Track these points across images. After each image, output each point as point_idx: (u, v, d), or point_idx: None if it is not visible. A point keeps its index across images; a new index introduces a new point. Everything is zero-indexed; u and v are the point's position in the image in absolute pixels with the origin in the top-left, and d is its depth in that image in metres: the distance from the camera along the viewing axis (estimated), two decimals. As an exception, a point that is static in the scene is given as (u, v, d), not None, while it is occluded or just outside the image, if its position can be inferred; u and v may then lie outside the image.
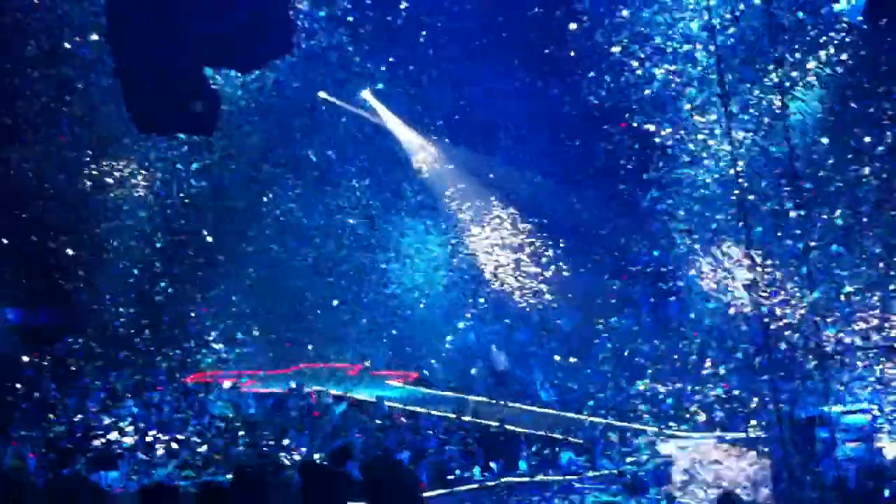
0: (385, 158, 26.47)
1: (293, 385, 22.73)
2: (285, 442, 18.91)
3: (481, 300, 25.74)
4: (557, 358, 24.07)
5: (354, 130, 26.31)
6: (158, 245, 24.83)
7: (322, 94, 25.72)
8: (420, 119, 26.42)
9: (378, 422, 20.25)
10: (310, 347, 26.56)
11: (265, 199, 25.76)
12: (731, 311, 20.65)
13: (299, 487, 13.28)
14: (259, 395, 22.41)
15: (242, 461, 18.02)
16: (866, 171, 18.85)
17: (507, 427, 19.21)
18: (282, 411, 21.20)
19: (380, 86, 25.93)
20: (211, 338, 25.16)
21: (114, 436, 19.12)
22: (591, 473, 17.35)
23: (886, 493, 13.64)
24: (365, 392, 23.16)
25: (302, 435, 19.40)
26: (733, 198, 19.68)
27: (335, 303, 26.26)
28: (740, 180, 18.63)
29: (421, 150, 26.62)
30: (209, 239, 25.13)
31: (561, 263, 25.44)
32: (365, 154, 26.29)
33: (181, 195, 24.87)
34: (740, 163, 19.08)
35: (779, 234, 19.34)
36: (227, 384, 23.21)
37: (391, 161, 26.47)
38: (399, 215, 26.29)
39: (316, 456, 17.91)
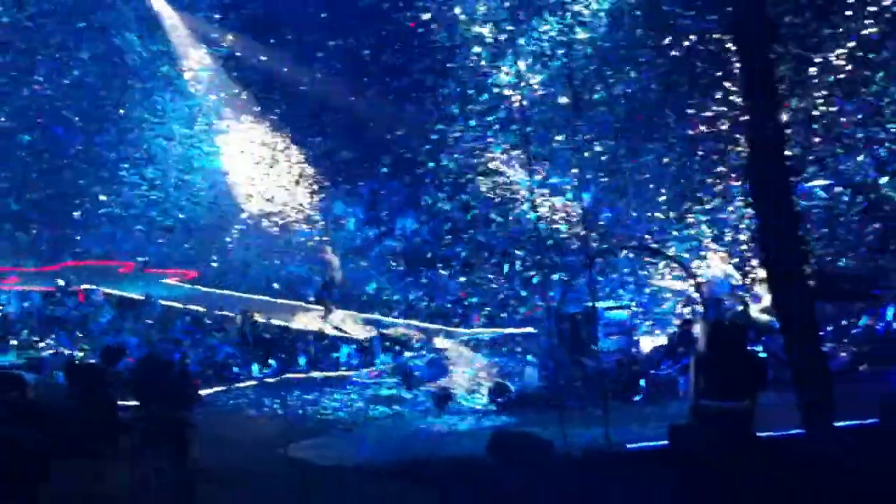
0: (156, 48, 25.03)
1: (60, 283, 21.59)
2: (50, 341, 17.97)
3: (257, 200, 25.18)
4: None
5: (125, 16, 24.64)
6: None
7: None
8: (194, 11, 25.10)
9: (150, 321, 19.62)
10: (79, 244, 25.31)
11: (24, 81, 23.82)
12: (510, 216, 21.48)
13: (65, 387, 12.70)
14: (22, 292, 21.14)
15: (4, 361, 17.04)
16: (640, 91, 19.81)
17: (286, 324, 19.15)
18: (47, 310, 20.10)
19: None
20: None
21: None
22: (369, 368, 17.61)
23: (642, 382, 14.69)
24: (138, 290, 22.36)
25: (68, 334, 18.51)
26: (516, 109, 20.25)
27: (104, 197, 24.99)
28: (524, 100, 19.17)
29: (193, 42, 25.30)
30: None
31: (349, 165, 25.21)
32: (134, 42, 24.72)
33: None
34: (526, 83, 19.64)
35: (556, 145, 20.11)
36: (-14, 281, 21.80)
37: (163, 52, 25.04)
38: (171, 109, 25.08)
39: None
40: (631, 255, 19.80)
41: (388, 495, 9.45)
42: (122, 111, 24.82)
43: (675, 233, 19.41)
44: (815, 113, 16.99)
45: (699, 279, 16.21)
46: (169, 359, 16.26)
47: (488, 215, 22.04)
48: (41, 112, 24.26)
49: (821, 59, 16.94)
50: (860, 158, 16.78)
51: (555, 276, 19.10)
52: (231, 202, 25.30)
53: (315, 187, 24.90)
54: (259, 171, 25.14)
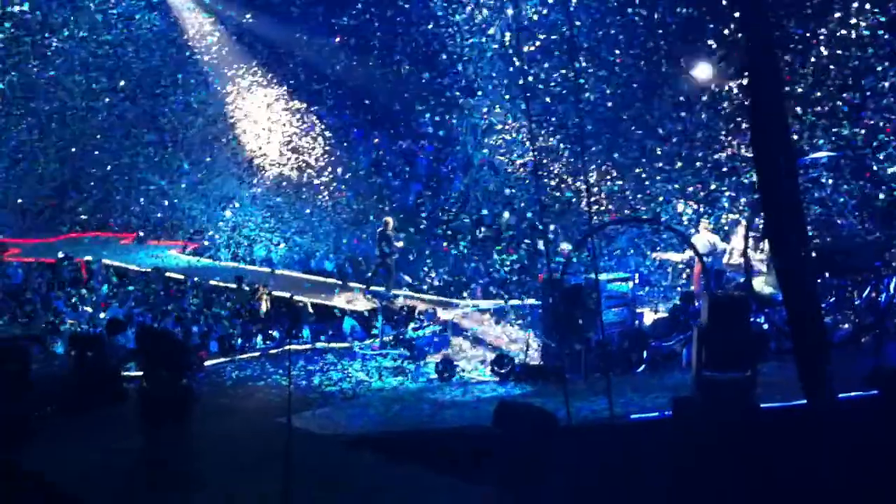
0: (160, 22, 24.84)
1: (61, 254, 21.62)
2: (52, 312, 18.00)
3: (262, 170, 25.14)
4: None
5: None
6: None
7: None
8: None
9: (150, 292, 19.65)
10: (81, 216, 25.36)
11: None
12: (508, 189, 21.48)
13: (71, 357, 12.75)
14: (25, 264, 21.16)
15: (8, 331, 17.07)
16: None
17: (290, 296, 19.17)
18: (50, 280, 20.12)
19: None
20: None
21: None
22: (373, 340, 17.64)
23: (644, 353, 14.69)
24: (140, 261, 22.39)
25: (73, 305, 18.54)
26: (518, 72, 20.18)
27: (109, 167, 25.02)
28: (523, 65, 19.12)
29: (198, 11, 25.15)
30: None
31: (343, 133, 25.10)
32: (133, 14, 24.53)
33: None
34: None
35: (550, 120, 20.07)
36: (-11, 252, 21.78)
37: (167, 24, 24.88)
38: (176, 78, 24.97)
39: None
40: (633, 227, 19.80)
41: (387, 463, 9.50)
42: (124, 82, 24.72)
43: (679, 205, 19.40)
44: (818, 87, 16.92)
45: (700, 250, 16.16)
46: (170, 329, 16.36)
47: (490, 188, 22.05)
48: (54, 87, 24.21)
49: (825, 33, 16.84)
50: (862, 131, 16.66)
51: (557, 248, 19.07)
52: (229, 172, 25.28)
53: (319, 155, 24.82)
54: (264, 140, 25.10)
